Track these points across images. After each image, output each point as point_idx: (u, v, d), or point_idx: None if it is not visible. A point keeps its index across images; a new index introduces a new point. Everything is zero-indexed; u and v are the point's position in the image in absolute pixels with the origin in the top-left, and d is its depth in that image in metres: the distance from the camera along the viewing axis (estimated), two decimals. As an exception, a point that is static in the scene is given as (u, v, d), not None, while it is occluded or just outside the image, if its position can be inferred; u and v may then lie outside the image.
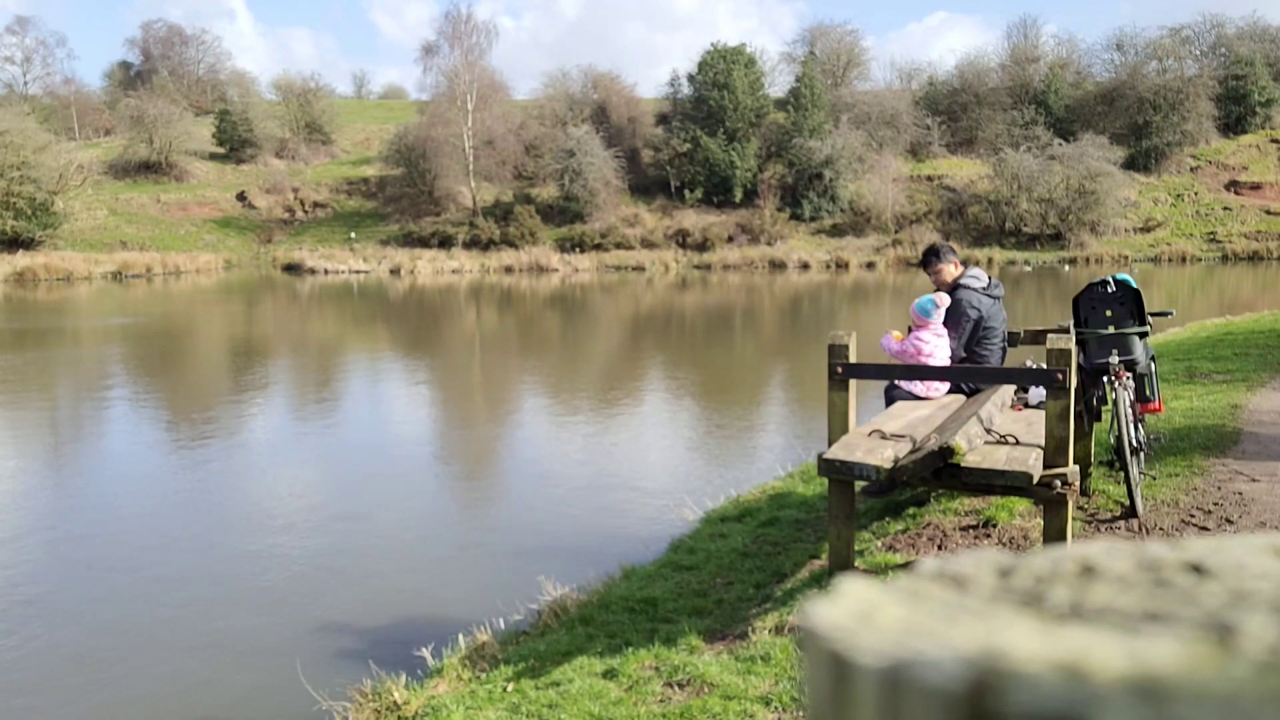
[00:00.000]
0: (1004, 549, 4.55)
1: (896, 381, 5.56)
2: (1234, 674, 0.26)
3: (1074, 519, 4.65)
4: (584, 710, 3.65)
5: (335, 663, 4.95)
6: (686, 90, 53.28)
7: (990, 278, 5.90)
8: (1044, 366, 4.46)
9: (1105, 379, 5.26)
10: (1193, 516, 5.04)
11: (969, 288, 5.72)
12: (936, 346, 5.47)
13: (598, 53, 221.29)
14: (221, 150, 56.64)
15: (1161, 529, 4.94)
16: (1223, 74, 54.02)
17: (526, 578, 5.71)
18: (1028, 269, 41.17)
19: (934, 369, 5.24)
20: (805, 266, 44.18)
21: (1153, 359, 5.44)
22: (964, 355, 5.66)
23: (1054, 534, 4.22)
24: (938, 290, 5.84)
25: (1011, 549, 4.75)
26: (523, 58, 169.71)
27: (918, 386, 5.48)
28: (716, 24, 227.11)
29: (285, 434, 11.05)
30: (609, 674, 4.01)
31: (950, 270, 5.87)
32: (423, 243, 47.01)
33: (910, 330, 5.66)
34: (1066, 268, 41.81)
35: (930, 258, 5.97)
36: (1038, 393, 5.56)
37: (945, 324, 5.60)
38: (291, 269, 43.91)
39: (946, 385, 5.53)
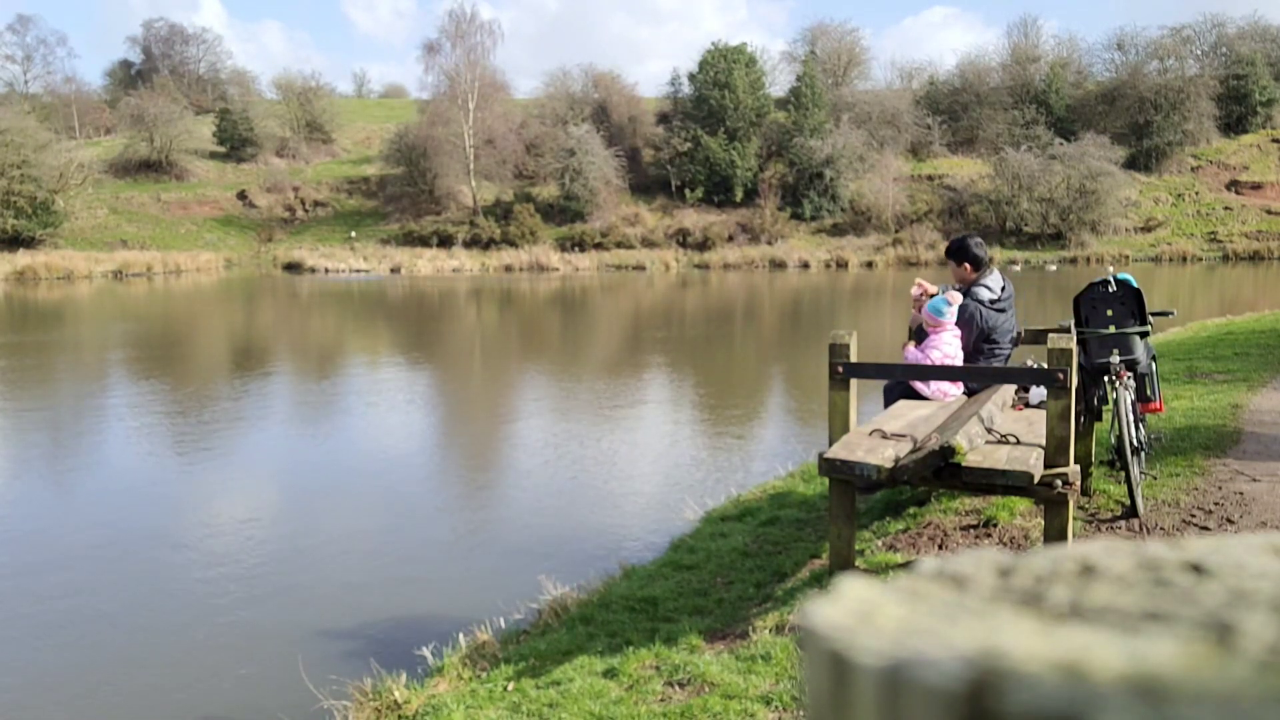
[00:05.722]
0: (1004, 549, 4.55)
1: (911, 383, 5.51)
2: (1234, 674, 0.26)
3: (1074, 519, 4.65)
4: (584, 709, 3.65)
5: (336, 661, 4.95)
6: (687, 89, 53.35)
7: (1002, 287, 5.73)
8: (1045, 366, 4.46)
9: (1106, 378, 5.26)
10: (1193, 516, 5.04)
11: (978, 299, 5.64)
12: (955, 348, 5.44)
13: (580, 46, 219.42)
14: (222, 149, 56.67)
15: (1162, 529, 4.94)
16: (1223, 73, 54.03)
17: (526, 577, 5.71)
18: (1016, 270, 41.07)
19: (935, 369, 5.23)
20: (805, 266, 44.17)
21: (1154, 358, 5.43)
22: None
23: (1054, 534, 4.22)
24: (957, 284, 5.78)
25: (1012, 549, 4.76)
26: (505, 51, 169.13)
27: (924, 388, 5.44)
28: (701, 18, 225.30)
29: (285, 435, 11.05)
30: (609, 673, 4.01)
31: (964, 274, 5.79)
32: (423, 242, 47.03)
33: (923, 332, 5.62)
34: (1052, 267, 41.72)
35: (957, 253, 5.81)
36: (1038, 392, 5.55)
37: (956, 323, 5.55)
38: (292, 268, 43.91)
39: (959, 387, 5.48)
